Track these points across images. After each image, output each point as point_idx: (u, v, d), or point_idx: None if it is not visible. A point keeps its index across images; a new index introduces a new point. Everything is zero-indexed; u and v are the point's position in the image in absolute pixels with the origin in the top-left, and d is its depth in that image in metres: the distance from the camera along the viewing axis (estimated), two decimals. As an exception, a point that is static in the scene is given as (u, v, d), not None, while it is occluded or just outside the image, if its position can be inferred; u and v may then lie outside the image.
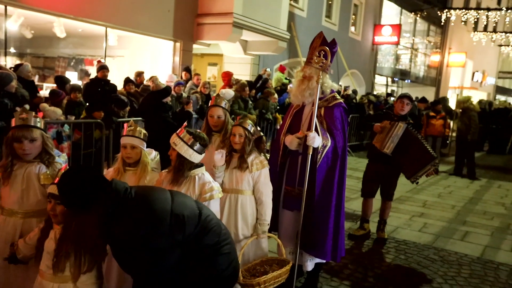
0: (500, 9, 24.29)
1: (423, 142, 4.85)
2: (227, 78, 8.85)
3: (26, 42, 8.62)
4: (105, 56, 8.85)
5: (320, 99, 3.61)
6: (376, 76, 21.51)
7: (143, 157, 2.83)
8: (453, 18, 24.17)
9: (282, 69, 11.34)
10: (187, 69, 9.27)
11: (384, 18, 20.43)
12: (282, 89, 10.14)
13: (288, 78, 11.14)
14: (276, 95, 9.24)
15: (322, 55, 3.58)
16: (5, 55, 7.15)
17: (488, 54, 32.70)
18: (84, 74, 9.79)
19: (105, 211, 1.92)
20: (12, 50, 7.66)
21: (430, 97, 24.92)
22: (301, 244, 3.56)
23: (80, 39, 9.28)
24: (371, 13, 19.66)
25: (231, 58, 12.77)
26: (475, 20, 25.84)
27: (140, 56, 10.34)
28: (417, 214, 6.50)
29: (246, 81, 8.83)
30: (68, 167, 2.33)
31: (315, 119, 3.53)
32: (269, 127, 8.98)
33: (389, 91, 22.81)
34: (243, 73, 12.57)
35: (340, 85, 12.94)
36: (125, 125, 2.96)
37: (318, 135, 3.49)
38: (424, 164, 4.77)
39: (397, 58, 23.26)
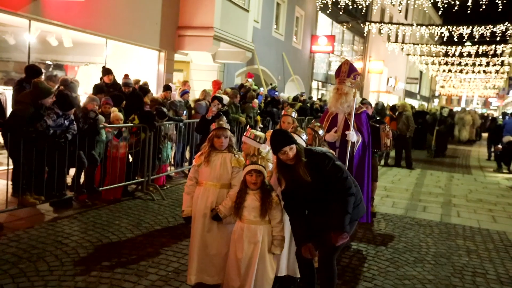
0: (411, 25, 28.06)
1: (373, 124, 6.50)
2: (217, 87, 10.12)
3: (43, 51, 9.16)
4: (105, 64, 9.63)
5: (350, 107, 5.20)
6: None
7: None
8: (374, 30, 27.45)
9: (250, 76, 12.79)
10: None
11: (319, 29, 22.77)
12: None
13: (257, 85, 12.64)
14: (256, 100, 10.69)
15: (357, 77, 5.20)
16: (28, 62, 7.77)
17: (399, 62, 37.10)
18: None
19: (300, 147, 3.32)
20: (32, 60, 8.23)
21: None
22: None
23: (79, 48, 9.92)
24: (309, 24, 21.86)
25: (198, 65, 13.92)
26: (389, 32, 29.48)
27: (123, 64, 11.12)
28: (384, 196, 8.40)
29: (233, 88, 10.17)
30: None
31: (352, 122, 5.13)
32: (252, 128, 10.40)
33: (319, 95, 25.38)
34: (211, 79, 13.76)
35: (303, 93, 14.72)
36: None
37: (354, 133, 5.11)
38: (378, 134, 6.30)
39: (329, 65, 25.84)
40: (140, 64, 10.97)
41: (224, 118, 3.89)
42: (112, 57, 10.01)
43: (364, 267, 4.77)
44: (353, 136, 5.07)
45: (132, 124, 6.47)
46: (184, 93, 8.71)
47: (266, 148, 4.20)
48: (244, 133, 4.15)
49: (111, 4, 9.24)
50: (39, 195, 5.12)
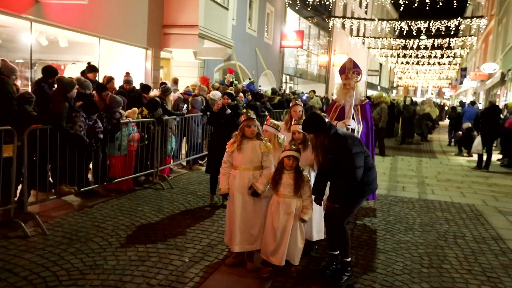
0: (373, 19, 29.42)
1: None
2: (206, 83, 10.68)
3: (43, 51, 9.37)
4: (99, 62, 9.97)
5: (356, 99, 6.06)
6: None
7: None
8: (338, 25, 28.59)
9: (231, 71, 13.38)
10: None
11: (287, 25, 23.57)
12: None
13: (237, 80, 13.26)
14: (242, 94, 11.33)
15: (356, 73, 6.01)
16: (31, 62, 8.08)
17: (361, 55, 38.58)
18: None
19: (329, 133, 4.01)
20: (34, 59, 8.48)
21: (321, 92, 29.18)
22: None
23: (74, 48, 10.16)
24: (279, 20, 22.63)
25: (178, 62, 14.35)
26: (351, 26, 30.77)
27: (113, 62, 11.45)
28: (366, 179, 9.30)
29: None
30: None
31: (352, 111, 5.95)
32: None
33: (288, 88, 26.30)
34: (191, 75, 14.28)
35: (281, 87, 15.46)
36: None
37: (355, 121, 5.94)
38: None
39: (297, 59, 26.76)
40: (128, 62, 11.34)
41: (251, 111, 4.54)
42: (104, 56, 10.35)
43: (365, 236, 5.58)
44: (353, 123, 5.90)
45: (148, 119, 6.95)
46: (186, 93, 9.21)
47: (282, 136, 4.92)
48: (265, 122, 4.85)
49: (104, 5, 9.59)
50: (71, 185, 5.58)
